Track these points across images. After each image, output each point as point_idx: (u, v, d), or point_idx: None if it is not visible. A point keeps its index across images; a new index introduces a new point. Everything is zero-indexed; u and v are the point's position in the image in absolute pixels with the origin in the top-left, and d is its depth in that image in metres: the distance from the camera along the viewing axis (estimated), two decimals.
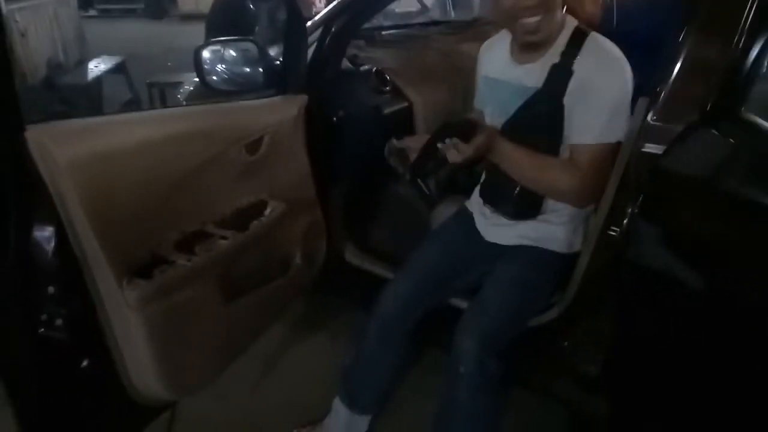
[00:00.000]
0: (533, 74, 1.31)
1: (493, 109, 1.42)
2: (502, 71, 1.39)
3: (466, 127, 1.25)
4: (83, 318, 1.09)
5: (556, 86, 1.27)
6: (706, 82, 1.05)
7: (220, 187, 1.33)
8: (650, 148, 1.10)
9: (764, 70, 1.06)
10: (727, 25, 1.04)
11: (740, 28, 1.02)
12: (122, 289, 1.07)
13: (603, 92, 1.21)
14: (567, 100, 1.26)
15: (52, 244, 1.01)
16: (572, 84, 1.25)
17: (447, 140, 1.25)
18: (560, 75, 1.26)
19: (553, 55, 1.28)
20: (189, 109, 1.48)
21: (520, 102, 1.32)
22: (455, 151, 1.25)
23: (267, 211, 1.40)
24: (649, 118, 1.12)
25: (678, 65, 1.09)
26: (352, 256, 1.87)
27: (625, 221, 1.13)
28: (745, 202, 0.88)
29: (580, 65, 1.24)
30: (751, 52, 1.01)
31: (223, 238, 1.26)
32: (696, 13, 1.10)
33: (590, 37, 1.27)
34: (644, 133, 1.12)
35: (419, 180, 1.42)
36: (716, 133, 0.98)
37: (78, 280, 1.06)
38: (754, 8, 1.01)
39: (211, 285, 1.27)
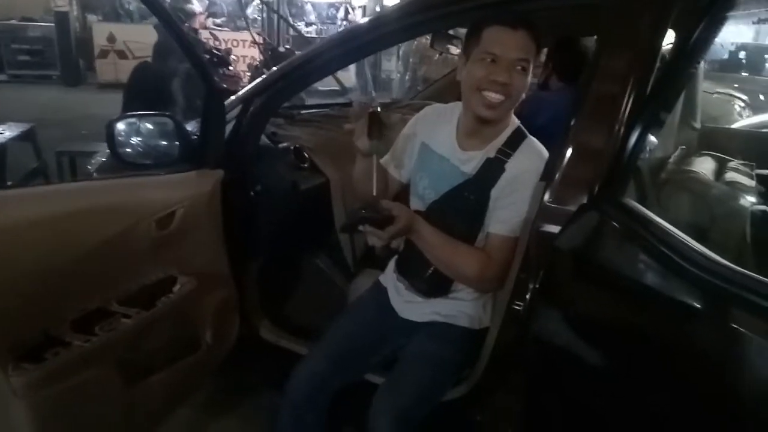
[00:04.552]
0: (471, 162, 1.38)
1: (428, 182, 1.45)
2: (445, 148, 1.43)
3: (383, 217, 1.27)
4: None
5: (487, 179, 1.35)
6: (593, 167, 1.15)
7: (126, 263, 1.28)
8: (547, 228, 1.18)
9: (643, 156, 1.17)
10: (608, 113, 1.15)
11: (620, 116, 1.13)
12: (7, 374, 0.99)
13: (526, 192, 1.29)
14: (494, 192, 1.34)
15: None
16: (502, 180, 1.33)
17: (366, 226, 1.27)
18: (493, 169, 1.34)
19: (490, 150, 1.36)
20: (93, 184, 1.44)
21: (453, 184, 1.39)
22: (374, 237, 1.28)
23: (176, 288, 1.36)
24: (545, 200, 1.20)
25: (569, 152, 1.20)
26: (268, 333, 1.82)
27: (528, 296, 1.19)
28: (628, 282, 0.96)
29: (512, 165, 1.33)
30: (630, 139, 1.11)
31: (126, 316, 1.21)
32: (583, 102, 1.22)
33: (527, 140, 1.37)
34: (541, 214, 1.20)
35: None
36: (601, 216, 1.07)
37: None
38: (631, 98, 1.13)
39: (110, 367, 1.20)
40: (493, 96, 1.27)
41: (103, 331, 1.14)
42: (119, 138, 1.56)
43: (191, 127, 1.76)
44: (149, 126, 1.65)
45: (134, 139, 1.62)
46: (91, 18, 10.82)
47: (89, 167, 2.42)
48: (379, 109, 1.29)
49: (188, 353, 1.46)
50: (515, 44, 1.24)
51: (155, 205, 1.35)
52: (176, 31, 1.43)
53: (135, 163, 1.57)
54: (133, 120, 1.63)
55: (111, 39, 9.97)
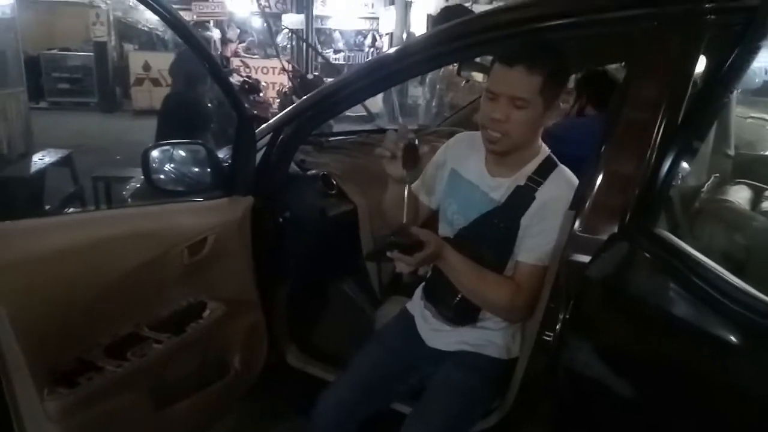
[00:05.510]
0: (500, 189, 1.38)
1: (457, 208, 1.46)
2: (474, 175, 1.44)
3: (412, 242, 1.28)
4: None
5: (517, 206, 1.34)
6: (624, 196, 1.14)
7: (157, 289, 1.31)
8: (577, 257, 1.16)
9: (675, 185, 1.15)
10: (639, 141, 1.14)
11: (651, 144, 1.12)
12: (42, 399, 1.01)
13: (556, 221, 1.28)
14: (524, 220, 1.33)
15: None
16: (532, 208, 1.33)
17: (394, 252, 1.28)
18: (523, 197, 1.34)
19: (520, 177, 1.36)
20: (127, 211, 1.48)
21: (482, 211, 1.39)
22: (402, 263, 1.29)
23: (206, 313, 1.38)
24: (575, 229, 1.19)
25: (599, 180, 1.19)
26: (295, 359, 1.83)
27: (558, 326, 1.17)
28: (660, 313, 0.94)
29: (542, 193, 1.32)
30: (662, 167, 1.09)
31: (158, 341, 1.23)
32: (613, 129, 1.21)
33: (557, 169, 1.36)
34: (571, 243, 1.19)
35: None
36: (632, 246, 1.05)
37: None
38: (662, 126, 1.12)
39: (142, 392, 1.22)
40: (491, 134, 1.29)
41: (135, 357, 1.16)
42: (153, 165, 1.61)
43: (223, 154, 1.81)
44: (182, 153, 1.70)
45: (168, 166, 1.67)
46: (128, 47, 11.23)
47: (124, 193, 2.48)
48: (416, 140, 1.31)
49: (217, 378, 1.47)
50: (510, 82, 1.24)
51: (187, 231, 1.38)
52: (209, 61, 1.47)
53: (168, 190, 1.62)
54: (166, 148, 1.68)
55: (146, 67, 10.34)
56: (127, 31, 11.38)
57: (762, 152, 2.85)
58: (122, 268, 1.20)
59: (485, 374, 1.42)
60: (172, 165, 1.69)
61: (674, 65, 1.15)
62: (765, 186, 1.45)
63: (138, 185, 2.34)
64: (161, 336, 1.24)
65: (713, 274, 0.86)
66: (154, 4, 1.22)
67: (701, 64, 1.17)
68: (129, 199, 2.33)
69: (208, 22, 10.44)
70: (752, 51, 1.02)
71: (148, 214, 1.40)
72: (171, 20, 1.27)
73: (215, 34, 9.44)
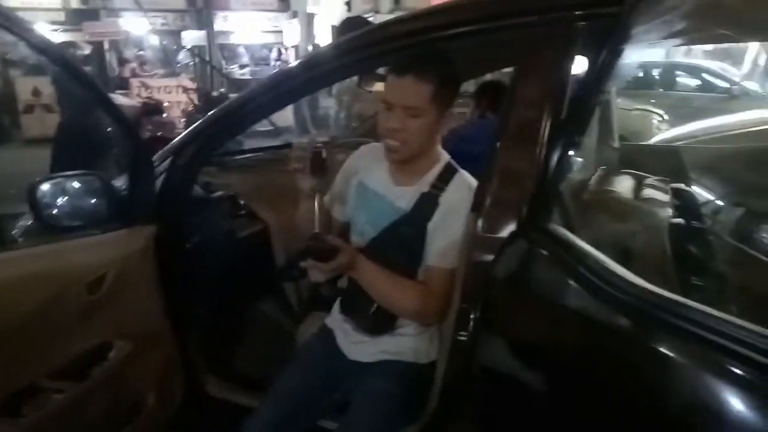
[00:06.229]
0: (405, 197, 1.40)
1: (366, 219, 1.47)
2: (380, 185, 1.46)
3: (326, 250, 1.28)
4: None
5: (422, 213, 1.37)
6: (519, 194, 1.19)
7: (55, 334, 1.22)
8: (482, 257, 1.20)
9: (564, 180, 1.22)
10: (526, 140, 1.19)
11: (538, 143, 1.17)
12: None
13: (460, 223, 1.31)
14: (430, 225, 1.36)
15: None
16: (437, 213, 1.36)
17: (308, 261, 1.28)
18: (427, 203, 1.37)
19: (423, 185, 1.39)
20: (17, 253, 1.37)
21: (390, 220, 1.41)
22: (316, 271, 1.28)
23: (111, 354, 1.31)
24: (478, 229, 1.23)
25: (495, 180, 1.24)
26: (214, 388, 1.77)
27: (470, 326, 1.20)
28: (558, 307, 0.99)
29: (445, 199, 1.36)
30: (550, 164, 1.15)
31: (58, 391, 1.15)
32: (504, 130, 1.26)
33: (458, 174, 1.40)
34: (475, 244, 1.23)
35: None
36: (529, 244, 1.10)
37: None
38: (547, 124, 1.18)
39: None
40: (390, 143, 1.33)
41: (33, 411, 1.08)
42: (44, 200, 1.49)
43: (120, 182, 1.72)
44: (75, 185, 1.60)
45: (60, 200, 1.57)
46: (14, 73, 10.47)
47: (14, 231, 2.30)
48: (323, 149, 1.31)
49: (131, 419, 1.39)
50: (402, 92, 1.28)
51: (84, 268, 1.30)
52: (91, 87, 1.40)
53: (63, 226, 1.52)
54: (57, 180, 1.57)
55: (35, 93, 9.66)
56: (10, 55, 10.61)
57: (646, 141, 3.09)
58: (15, 315, 1.11)
59: (407, 380, 1.44)
60: (64, 198, 1.58)
61: (553, 67, 1.22)
62: (645, 174, 1.57)
63: (30, 222, 2.17)
64: (63, 385, 1.16)
65: (599, 265, 0.91)
66: (16, 29, 1.14)
67: (582, 66, 1.25)
68: (20, 239, 2.15)
69: (101, 42, 9.97)
70: (617, 53, 1.11)
71: (40, 254, 1.31)
72: (40, 45, 1.19)
73: (128, 56, 9.04)
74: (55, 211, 1.52)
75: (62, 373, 1.19)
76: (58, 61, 1.31)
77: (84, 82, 1.38)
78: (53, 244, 1.37)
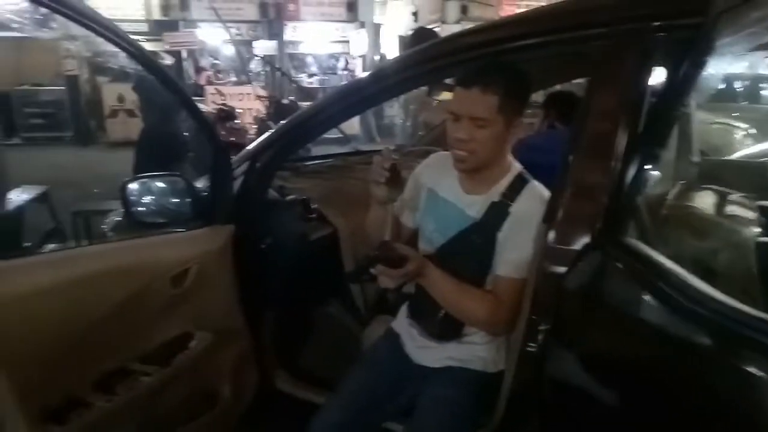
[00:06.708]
0: (476, 206, 1.42)
1: (435, 226, 1.49)
2: (450, 193, 1.48)
3: (395, 258, 1.31)
4: None
5: (492, 222, 1.38)
6: (593, 206, 1.17)
7: (143, 322, 1.31)
8: (554, 269, 1.20)
9: (642, 193, 1.19)
10: (602, 153, 1.18)
11: (614, 156, 1.15)
12: None
13: (531, 234, 1.32)
14: (500, 235, 1.37)
15: None
16: (507, 223, 1.36)
17: (378, 267, 1.31)
18: (498, 213, 1.38)
19: (494, 194, 1.40)
20: (108, 246, 1.48)
21: (460, 227, 1.42)
22: (386, 278, 1.31)
23: (192, 344, 1.38)
24: (550, 241, 1.23)
25: (568, 192, 1.23)
26: (284, 383, 1.83)
27: (540, 338, 1.20)
28: (634, 321, 0.97)
29: (516, 208, 1.37)
30: (626, 177, 1.13)
31: (146, 374, 1.23)
32: (578, 142, 1.25)
33: (529, 184, 1.40)
34: (547, 255, 1.22)
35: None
36: (604, 257, 1.09)
37: None
38: (623, 137, 1.16)
39: (132, 427, 1.21)
40: (458, 153, 1.34)
41: (124, 390, 1.16)
42: (132, 198, 1.61)
43: (202, 183, 1.82)
44: (161, 185, 1.71)
45: (147, 199, 1.68)
46: (101, 80, 11.18)
47: (104, 226, 2.47)
48: (400, 160, 1.34)
49: (207, 409, 1.47)
50: (469, 103, 1.29)
51: (170, 263, 1.38)
52: (180, 94, 1.49)
53: (149, 222, 1.62)
54: (144, 180, 1.69)
55: (120, 99, 10.29)
56: (99, 63, 11.33)
57: (727, 156, 2.94)
58: (107, 304, 1.20)
59: (473, 388, 1.44)
60: (151, 197, 1.69)
61: (629, 79, 1.20)
62: (728, 191, 1.51)
63: (118, 218, 2.32)
64: (149, 369, 1.24)
65: (680, 281, 0.89)
66: (118, 39, 1.23)
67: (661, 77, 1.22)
68: (110, 234, 2.31)
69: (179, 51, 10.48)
70: (699, 65, 1.08)
71: (129, 247, 1.41)
72: (137, 54, 1.29)
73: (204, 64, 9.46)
74: (142, 209, 1.64)
75: (150, 358, 1.27)
76: (153, 69, 1.41)
77: (174, 90, 1.48)
78: (141, 239, 1.47)
